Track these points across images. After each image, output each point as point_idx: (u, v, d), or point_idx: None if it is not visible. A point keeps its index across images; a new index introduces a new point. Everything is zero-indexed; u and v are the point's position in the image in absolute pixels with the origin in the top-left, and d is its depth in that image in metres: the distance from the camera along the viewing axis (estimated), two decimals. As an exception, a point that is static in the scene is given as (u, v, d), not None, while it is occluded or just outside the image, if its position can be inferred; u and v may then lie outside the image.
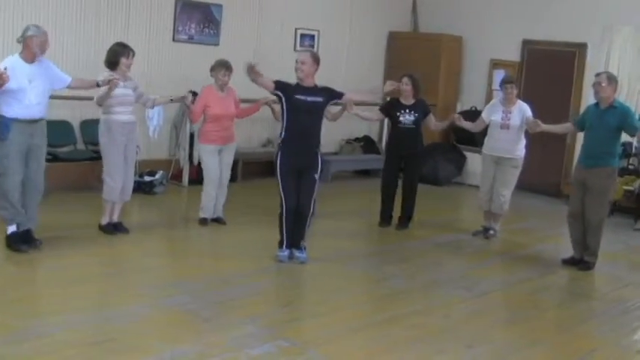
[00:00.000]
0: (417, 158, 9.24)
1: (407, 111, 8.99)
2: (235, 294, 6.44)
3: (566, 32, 12.03)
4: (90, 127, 9.58)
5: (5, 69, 6.45)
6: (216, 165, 8.49)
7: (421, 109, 9.06)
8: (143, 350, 5.10)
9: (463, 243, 8.89)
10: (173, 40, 10.72)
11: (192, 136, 10.60)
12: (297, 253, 7.41)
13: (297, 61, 7.31)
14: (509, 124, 8.79)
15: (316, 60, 7.32)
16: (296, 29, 12.28)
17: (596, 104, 7.95)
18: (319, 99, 7.30)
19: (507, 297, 7.16)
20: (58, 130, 9.06)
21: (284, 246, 7.42)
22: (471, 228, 9.35)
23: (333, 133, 12.46)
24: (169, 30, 10.71)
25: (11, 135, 6.75)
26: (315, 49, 12.22)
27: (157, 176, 10.21)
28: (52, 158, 9.00)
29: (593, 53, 11.89)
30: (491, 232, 9.12)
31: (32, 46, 6.75)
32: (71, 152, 9.77)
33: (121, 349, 5.11)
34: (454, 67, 13.40)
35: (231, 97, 8.52)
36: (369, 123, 12.84)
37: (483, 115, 9.15)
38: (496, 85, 12.85)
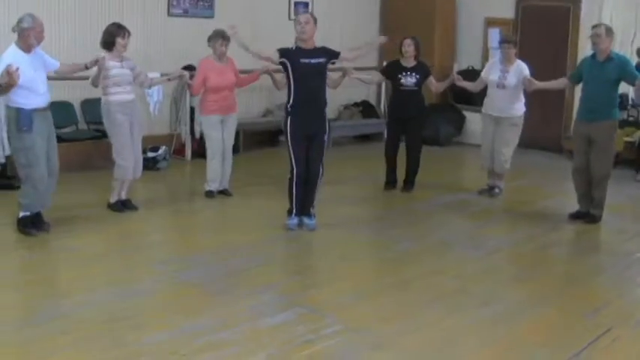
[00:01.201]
0: (418, 120, 9.25)
1: (408, 73, 9.01)
2: (247, 264, 6.50)
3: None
4: (91, 106, 9.60)
5: (17, 69, 6.41)
6: (219, 136, 8.51)
7: (422, 70, 9.09)
8: (163, 325, 5.16)
9: (468, 202, 8.95)
10: (168, 14, 10.69)
11: (192, 110, 10.61)
12: (306, 220, 7.46)
13: (299, 22, 7.27)
14: (504, 83, 8.81)
15: (315, 21, 7.35)
16: (289, -4, 12.25)
17: (593, 57, 7.93)
18: (322, 59, 7.32)
19: (516, 254, 7.23)
20: (59, 111, 9.01)
21: (293, 214, 7.46)
22: (474, 187, 9.40)
23: (331, 99, 12.25)
24: (164, 4, 10.67)
25: (35, 125, 6.80)
26: (310, 16, 12.23)
27: (160, 152, 10.24)
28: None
29: (586, 7, 11.87)
30: (496, 190, 9.17)
31: (30, 39, 6.73)
32: (73, 132, 9.79)
33: (141, 325, 5.18)
34: (449, 26, 13.35)
35: (230, 67, 8.51)
36: (367, 87, 12.85)
37: (483, 74, 9.18)
38: (492, 44, 12.90)
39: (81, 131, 9.88)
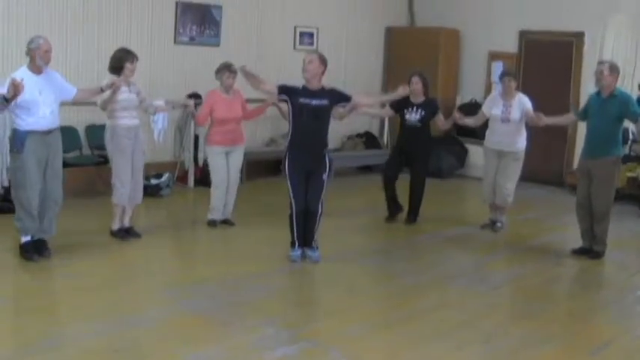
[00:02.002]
0: (422, 156, 9.23)
1: (414, 109, 9.02)
2: (251, 295, 6.47)
3: (563, 21, 12.08)
4: (95, 131, 9.62)
5: (22, 80, 6.45)
6: (223, 167, 8.51)
7: (429, 107, 9.08)
8: (166, 356, 5.13)
9: (472, 236, 8.94)
10: (175, 42, 10.74)
11: (196, 138, 10.66)
12: (309, 252, 7.44)
13: (304, 61, 7.28)
14: (509, 117, 8.80)
15: (323, 61, 7.27)
16: (295, 27, 12.30)
17: (598, 93, 7.98)
18: (324, 102, 7.25)
19: (520, 289, 7.19)
20: (63, 135, 8.91)
21: (296, 246, 7.45)
22: (477, 221, 9.39)
23: (334, 129, 12.25)
24: (171, 32, 10.72)
25: (27, 147, 6.78)
26: (315, 47, 12.30)
27: (163, 179, 10.25)
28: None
29: (590, 42, 11.94)
30: (499, 224, 9.16)
31: (36, 60, 6.78)
32: (77, 158, 9.78)
33: (143, 355, 5.15)
34: (452, 60, 13.43)
35: (237, 99, 8.54)
36: (370, 119, 12.89)
37: (484, 108, 9.18)
38: (495, 77, 12.92)
39: (85, 156, 9.88)
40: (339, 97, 7.41)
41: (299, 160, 7.30)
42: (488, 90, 12.66)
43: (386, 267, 7.71)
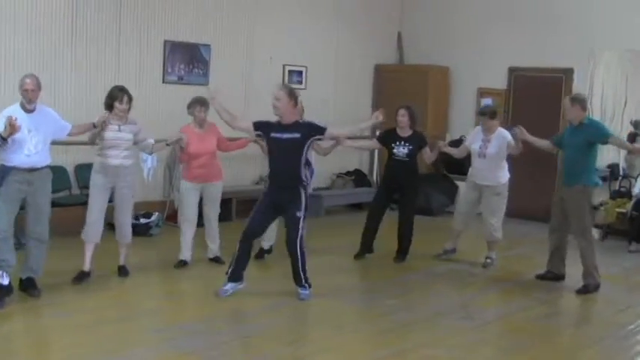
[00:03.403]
0: (410, 190, 9.23)
1: (402, 143, 9.01)
2: (240, 333, 6.48)
3: (552, 58, 12.18)
4: (84, 171, 9.54)
5: (16, 119, 6.47)
6: (193, 203, 8.44)
7: (417, 141, 9.08)
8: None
9: (462, 272, 8.94)
10: (163, 81, 10.77)
11: (186, 176, 10.62)
12: (298, 290, 7.40)
13: (273, 98, 7.24)
14: (485, 152, 8.89)
15: (292, 95, 7.23)
16: (284, 65, 12.37)
17: (570, 123, 8.26)
18: (296, 135, 7.20)
19: (510, 325, 7.16)
20: (52, 175, 9.01)
21: (227, 276, 7.40)
22: (467, 257, 9.42)
23: (324, 167, 12.48)
24: (159, 71, 10.76)
25: (7, 181, 6.77)
26: (304, 85, 12.36)
27: (153, 218, 10.22)
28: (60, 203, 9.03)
29: (579, 78, 12.03)
30: (488, 260, 9.18)
31: (22, 97, 6.80)
32: (66, 197, 9.74)
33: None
34: (442, 97, 13.50)
35: (211, 133, 8.45)
36: (360, 156, 12.93)
37: (466, 142, 9.29)
38: (483, 114, 13.02)
39: (74, 196, 9.82)
40: (312, 130, 7.32)
41: (272, 195, 7.37)
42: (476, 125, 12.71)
43: (375, 304, 7.65)
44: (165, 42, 10.80)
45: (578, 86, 11.93)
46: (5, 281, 6.77)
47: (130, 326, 6.57)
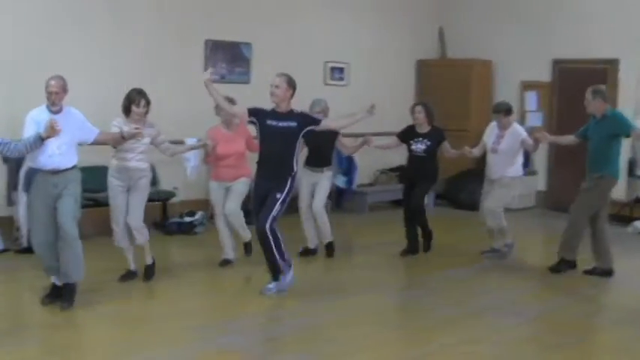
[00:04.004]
0: (424, 185, 9.20)
1: (419, 139, 9.02)
2: (284, 330, 6.49)
3: (596, 49, 12.01)
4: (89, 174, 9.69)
5: (60, 129, 6.36)
6: (220, 200, 8.39)
7: (435, 137, 9.05)
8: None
9: (506, 268, 8.83)
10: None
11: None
12: (268, 284, 7.37)
13: (271, 85, 7.22)
14: (497, 148, 8.90)
15: (291, 84, 7.23)
16: (326, 62, 12.36)
17: (594, 116, 8.34)
18: (292, 124, 7.16)
19: (555, 322, 7.03)
20: (97, 175, 9.03)
21: (270, 275, 7.45)
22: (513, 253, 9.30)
23: (367, 164, 12.52)
24: (200, 71, 10.78)
25: (34, 186, 6.79)
26: (345, 81, 12.34)
27: (197, 216, 10.29)
28: (94, 203, 9.09)
29: (625, 68, 11.84)
30: (499, 250, 9.19)
31: (47, 98, 6.70)
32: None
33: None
34: (485, 91, 13.37)
35: (240, 134, 8.38)
36: (404, 152, 12.81)
37: (484, 137, 9.23)
38: (528, 107, 12.90)
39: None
40: (308, 121, 7.30)
41: (260, 184, 7.27)
42: (521, 121, 12.57)
43: (418, 300, 7.61)
44: (207, 41, 10.86)
45: (624, 77, 11.76)
46: (58, 282, 6.91)
47: (172, 324, 6.57)
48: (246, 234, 8.57)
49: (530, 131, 8.95)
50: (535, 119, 12.90)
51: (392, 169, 13.19)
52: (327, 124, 7.56)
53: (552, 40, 12.60)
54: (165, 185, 10.45)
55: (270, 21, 11.62)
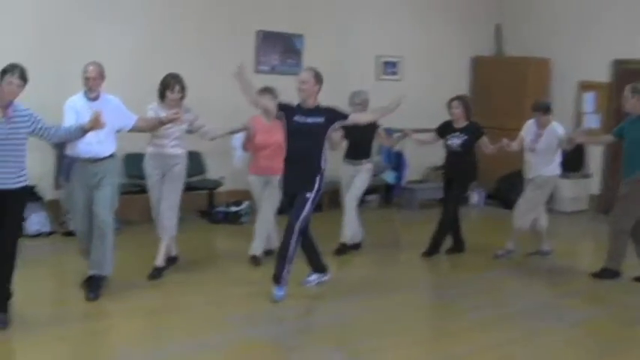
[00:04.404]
0: (460, 182, 9.02)
1: (456, 134, 8.83)
2: (321, 322, 6.48)
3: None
4: (218, 156, 9.89)
5: (105, 123, 6.22)
6: (259, 194, 8.28)
7: (472, 132, 8.84)
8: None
9: (553, 271, 8.68)
10: (255, 71, 10.78)
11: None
12: (274, 288, 6.98)
13: (298, 81, 7.01)
14: (534, 147, 8.71)
15: (319, 79, 6.98)
16: (378, 57, 12.26)
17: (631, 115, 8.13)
18: (320, 119, 6.92)
19: (598, 328, 6.82)
20: (188, 160, 8.69)
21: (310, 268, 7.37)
22: (559, 256, 9.15)
23: (417, 160, 12.39)
24: (251, 61, 10.78)
25: (73, 175, 6.79)
26: (398, 76, 12.22)
27: (243, 206, 10.29)
28: (139, 189, 9.04)
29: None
30: (544, 250, 9.09)
31: (84, 84, 6.68)
32: (201, 181, 10.20)
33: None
34: (541, 90, 13.05)
35: (279, 126, 7.86)
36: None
37: (521, 132, 9.01)
38: (586, 109, 12.60)
39: (208, 180, 10.28)
40: (335, 116, 7.03)
41: (288, 183, 7.05)
42: (577, 121, 12.33)
43: (456, 300, 7.47)
44: (258, 32, 10.83)
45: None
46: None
47: (210, 312, 6.58)
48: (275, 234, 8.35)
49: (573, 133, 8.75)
50: (592, 121, 12.60)
51: (443, 166, 13.00)
52: (354, 118, 7.30)
53: (613, 39, 12.27)
54: (212, 174, 10.48)
55: (323, 12, 11.56)
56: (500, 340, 6.23)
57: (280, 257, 6.93)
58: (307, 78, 6.95)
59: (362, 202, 11.90)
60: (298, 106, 7.03)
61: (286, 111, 7.03)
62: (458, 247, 9.18)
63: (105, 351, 5.72)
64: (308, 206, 6.88)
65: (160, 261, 7.54)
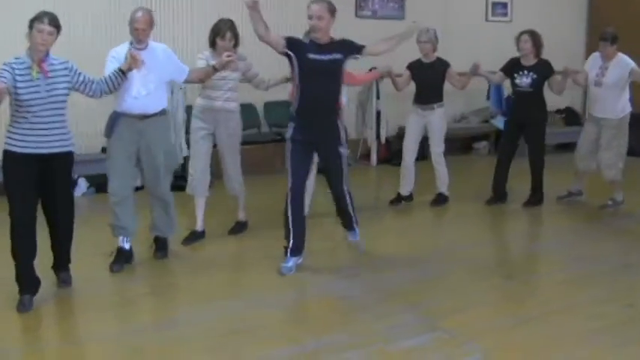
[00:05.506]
0: (537, 127, 8.48)
1: (525, 72, 8.26)
2: (396, 281, 6.10)
3: None
4: (274, 109, 9.66)
5: (143, 61, 5.74)
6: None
7: (542, 70, 8.25)
8: (286, 340, 4.91)
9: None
10: (356, 15, 10.49)
11: (378, 113, 10.44)
12: (348, 234, 6.70)
13: (310, 16, 5.98)
14: (602, 81, 8.03)
15: (332, 12, 6.02)
16: (486, -3, 11.75)
17: None
18: (338, 56, 6.04)
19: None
20: (242, 113, 8.94)
21: (289, 252, 6.25)
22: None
23: None
24: (352, 6, 10.50)
25: (116, 131, 6.08)
26: (509, 17, 11.68)
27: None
28: (280, 138, 9.02)
29: None
30: (610, 202, 8.44)
31: (132, 35, 6.07)
32: (255, 135, 9.87)
33: (261, 338, 4.94)
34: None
35: None
36: (571, 92, 12.08)
37: (585, 67, 8.40)
38: None
39: (263, 134, 9.92)
40: (352, 48, 6.13)
41: (306, 132, 6.09)
42: None
43: (545, 254, 7.06)
44: (358, -26, 10.54)
45: None
46: (127, 245, 6.35)
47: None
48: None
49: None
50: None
51: (558, 111, 12.46)
52: (370, 50, 6.27)
53: None
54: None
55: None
56: (594, 298, 5.79)
57: (344, 214, 6.55)
58: (321, 12, 5.96)
59: (471, 150, 11.64)
60: (311, 42, 6.09)
61: (296, 47, 6.04)
62: (500, 196, 8.70)
63: (159, 311, 5.63)
64: (345, 162, 6.31)
65: (241, 216, 7.41)
